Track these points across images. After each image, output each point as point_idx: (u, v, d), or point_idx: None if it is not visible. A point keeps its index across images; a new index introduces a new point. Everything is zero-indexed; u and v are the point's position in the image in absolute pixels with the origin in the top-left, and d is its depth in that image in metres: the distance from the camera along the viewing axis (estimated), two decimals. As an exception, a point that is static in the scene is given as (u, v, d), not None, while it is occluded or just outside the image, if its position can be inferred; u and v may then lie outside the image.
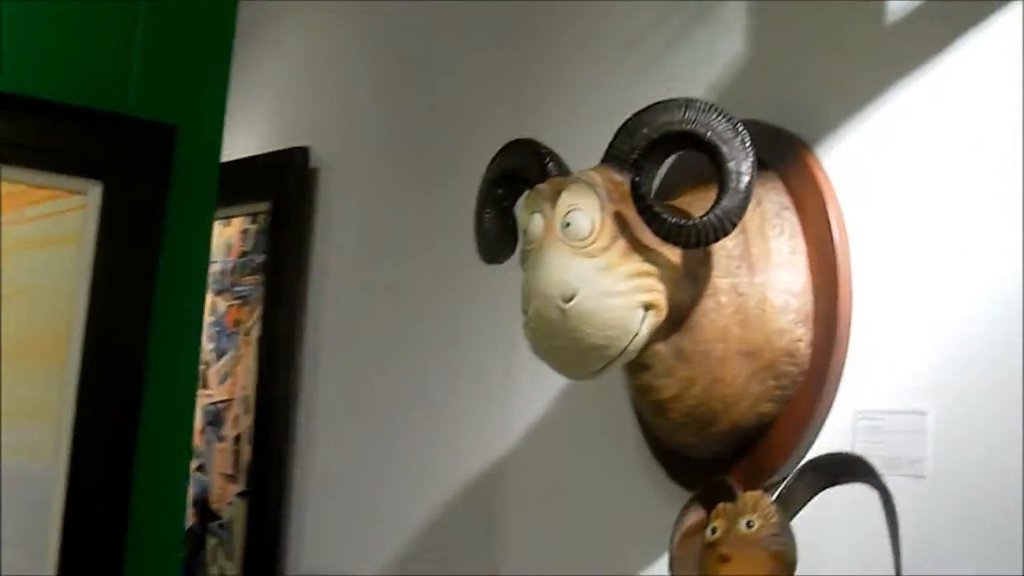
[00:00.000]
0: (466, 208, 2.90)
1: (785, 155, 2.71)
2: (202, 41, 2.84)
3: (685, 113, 2.47)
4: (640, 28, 3.11)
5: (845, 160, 2.68)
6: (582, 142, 2.82)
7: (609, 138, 2.59)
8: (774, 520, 2.32)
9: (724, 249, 2.57)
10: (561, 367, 2.56)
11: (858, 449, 2.54)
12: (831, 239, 2.64)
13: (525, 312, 2.50)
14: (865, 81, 2.67)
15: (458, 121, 3.66)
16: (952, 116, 2.54)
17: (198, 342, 3.01)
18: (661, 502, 2.90)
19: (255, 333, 4.17)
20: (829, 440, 2.62)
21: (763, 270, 2.62)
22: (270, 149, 4.22)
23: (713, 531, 2.35)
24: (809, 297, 2.64)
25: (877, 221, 2.62)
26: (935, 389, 2.49)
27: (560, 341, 2.47)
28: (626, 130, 2.54)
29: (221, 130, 2.78)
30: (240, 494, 4.16)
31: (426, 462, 3.59)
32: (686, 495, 2.75)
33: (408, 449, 3.67)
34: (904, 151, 2.60)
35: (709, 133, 2.44)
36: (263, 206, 4.22)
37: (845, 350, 2.63)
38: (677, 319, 2.56)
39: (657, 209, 2.44)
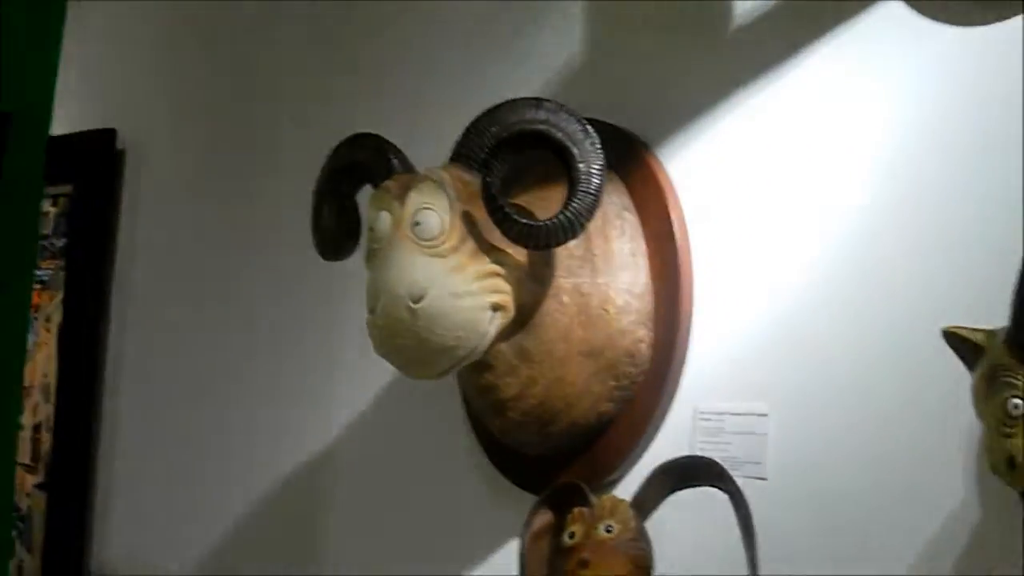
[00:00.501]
0: (286, 196, 2.86)
1: (626, 156, 2.73)
2: (32, 25, 2.73)
3: (536, 113, 2.46)
4: (479, 22, 3.09)
5: (686, 161, 2.71)
6: (414, 138, 2.80)
7: (444, 134, 2.57)
8: (632, 525, 2.34)
9: (567, 249, 2.57)
10: (407, 367, 2.53)
11: (697, 450, 2.58)
12: (672, 240, 2.67)
13: (372, 311, 2.47)
14: (708, 83, 2.70)
15: (278, 110, 3.59)
16: (794, 119, 2.59)
17: (25, 330, 2.89)
18: (493, 501, 2.90)
19: (56, 319, 4.06)
20: (669, 440, 2.65)
21: (605, 271, 2.63)
22: (76, 130, 4.09)
23: (571, 536, 2.35)
24: (650, 298, 2.67)
25: (718, 222, 2.65)
26: (775, 390, 2.53)
27: (408, 341, 2.45)
28: (475, 128, 2.52)
29: (51, 116, 2.68)
30: (39, 485, 4.04)
31: (245, 455, 3.53)
32: (519, 494, 2.76)
33: (225, 441, 3.60)
34: (745, 153, 2.64)
35: (560, 134, 2.44)
36: (65, 188, 4.10)
37: (685, 351, 2.66)
38: (521, 319, 2.56)
39: (507, 210, 2.43)
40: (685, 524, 2.52)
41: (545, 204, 2.52)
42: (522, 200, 2.62)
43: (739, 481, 2.39)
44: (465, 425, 2.97)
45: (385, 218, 2.51)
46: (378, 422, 3.20)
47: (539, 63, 2.97)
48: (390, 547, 3.13)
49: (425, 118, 3.07)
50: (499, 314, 2.48)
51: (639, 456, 2.68)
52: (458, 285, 2.44)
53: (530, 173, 2.64)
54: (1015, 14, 2.35)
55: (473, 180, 2.49)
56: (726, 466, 2.40)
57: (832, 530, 2.45)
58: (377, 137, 2.64)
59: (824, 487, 2.47)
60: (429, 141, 2.69)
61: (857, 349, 2.46)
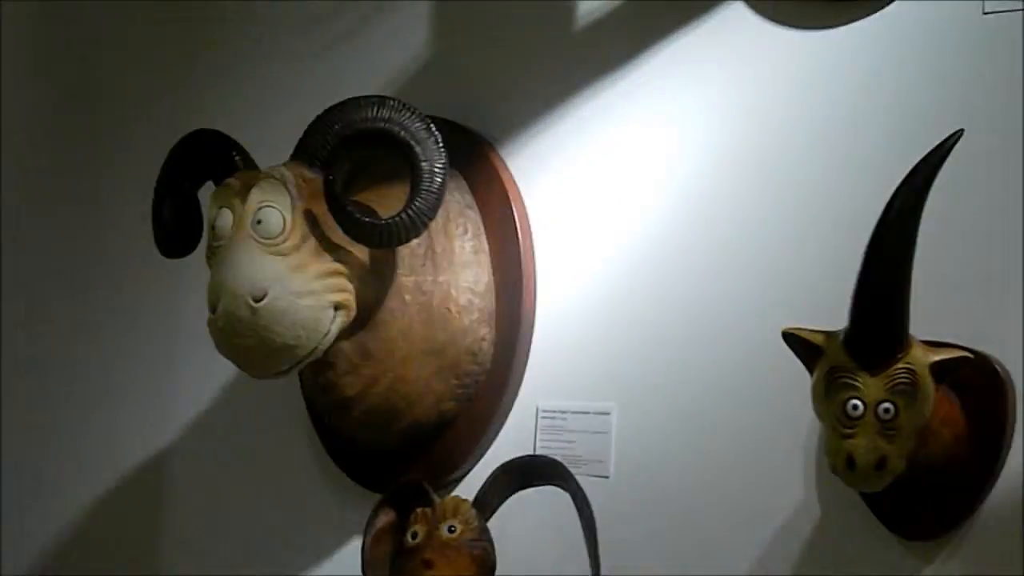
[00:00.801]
0: (132, 193, 2.80)
1: (470, 154, 2.73)
2: None
3: (379, 111, 2.45)
4: (327, 18, 3.06)
5: (530, 160, 2.72)
6: (261, 134, 2.78)
7: (286, 131, 2.55)
8: (475, 524, 2.34)
9: (409, 247, 2.56)
10: (248, 366, 2.50)
11: (540, 448, 2.59)
12: (515, 238, 2.67)
13: (213, 310, 2.44)
14: (552, 82, 2.72)
15: (122, 106, 3.52)
16: (636, 117, 2.61)
17: None
18: (338, 500, 2.88)
19: None
20: (512, 438, 2.66)
21: (447, 269, 2.63)
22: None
23: (414, 536, 2.35)
24: (492, 296, 2.67)
25: (561, 221, 2.67)
26: (618, 389, 2.55)
27: (249, 340, 2.42)
28: (318, 126, 2.50)
29: None
30: None
31: (85, 453, 3.45)
32: (363, 492, 2.75)
33: (65, 438, 3.52)
34: (588, 151, 2.66)
35: (403, 132, 2.43)
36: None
37: (528, 349, 2.67)
38: (362, 317, 2.54)
39: (349, 209, 2.41)
40: (529, 523, 2.53)
41: (390, 202, 2.50)
42: (368, 197, 2.60)
43: (582, 479, 2.40)
44: (308, 424, 2.94)
45: (226, 215, 2.47)
46: (222, 421, 3.16)
47: (386, 60, 2.96)
48: (233, 547, 3.10)
49: (272, 113, 3.04)
50: (341, 313, 2.46)
51: (482, 454, 2.69)
52: (299, 284, 2.41)
53: (378, 169, 2.62)
54: (864, 15, 2.39)
55: (316, 178, 2.46)
56: (569, 464, 2.40)
57: (674, 527, 2.47)
58: (219, 133, 2.61)
59: (666, 485, 2.49)
60: (276, 136, 2.65)
61: (700, 349, 2.49)
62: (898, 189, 1.98)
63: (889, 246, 1.99)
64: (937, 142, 2.02)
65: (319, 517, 2.90)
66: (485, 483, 2.40)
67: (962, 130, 1.98)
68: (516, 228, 2.67)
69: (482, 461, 2.68)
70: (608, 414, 2.55)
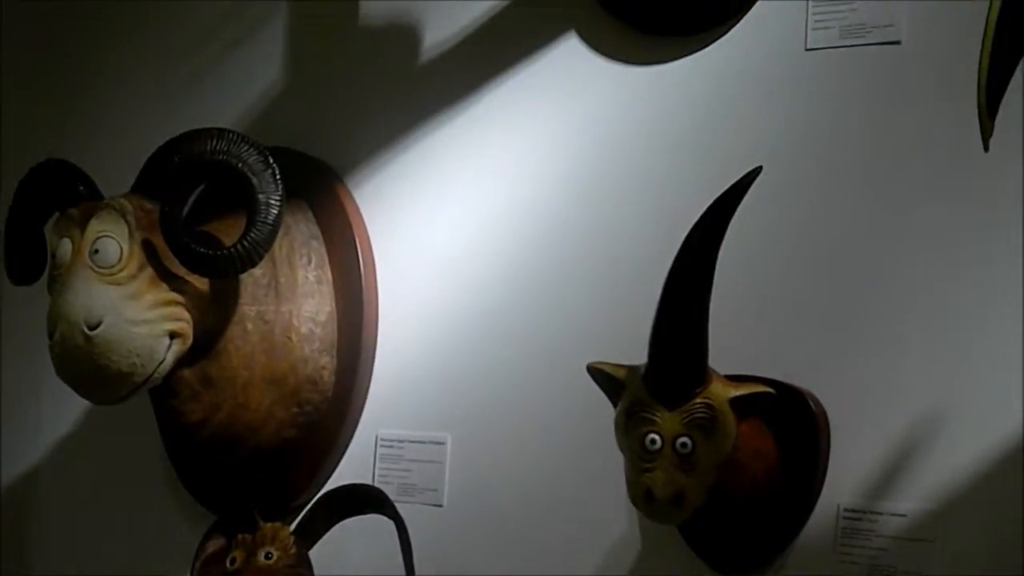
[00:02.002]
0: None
1: (316, 184, 2.77)
2: None
3: (217, 143, 2.48)
4: (179, 49, 3.09)
5: (375, 190, 2.76)
6: (109, 163, 2.80)
7: (138, 163, 2.57)
8: (292, 551, 2.37)
9: (252, 276, 2.60)
10: (85, 392, 2.53)
11: (379, 476, 2.63)
12: (357, 269, 2.71)
13: (51, 336, 2.47)
14: (397, 114, 2.77)
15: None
16: (478, 150, 2.66)
17: None
18: (186, 524, 2.90)
19: None
20: (352, 466, 2.70)
21: (290, 298, 2.66)
22: None
23: (232, 561, 2.38)
24: (334, 326, 2.71)
25: (404, 252, 2.71)
26: (454, 419, 2.60)
27: (85, 367, 2.44)
28: (157, 158, 2.53)
29: None
30: None
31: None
32: (211, 516, 2.77)
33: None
34: (432, 183, 2.70)
35: (240, 164, 2.46)
36: None
37: (368, 379, 2.71)
38: (204, 345, 2.57)
39: (185, 240, 2.44)
40: (355, 550, 2.56)
41: (235, 231, 2.53)
42: (215, 226, 2.63)
43: (417, 507, 2.45)
44: (162, 448, 2.97)
45: (66, 245, 2.50)
46: (81, 445, 3.18)
47: (237, 90, 2.98)
48: (90, 569, 3.11)
49: (121, 142, 3.07)
50: (176, 341, 2.49)
51: (324, 481, 2.72)
52: (134, 313, 2.45)
53: (225, 198, 2.65)
54: (693, 51, 2.45)
55: (155, 208, 2.49)
56: (405, 493, 2.45)
57: (506, 555, 2.52)
58: (66, 164, 2.63)
59: (499, 514, 2.54)
60: (124, 165, 2.68)
61: (533, 381, 2.55)
62: (695, 225, 2.02)
63: (684, 282, 2.02)
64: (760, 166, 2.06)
65: (170, 540, 2.93)
66: (307, 511, 2.44)
67: (760, 167, 2.03)
68: (359, 258, 2.70)
69: (325, 488, 2.70)
70: (443, 443, 2.59)
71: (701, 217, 2.02)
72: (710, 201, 2.08)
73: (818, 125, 2.35)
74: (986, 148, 1.51)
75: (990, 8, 1.49)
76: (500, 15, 2.66)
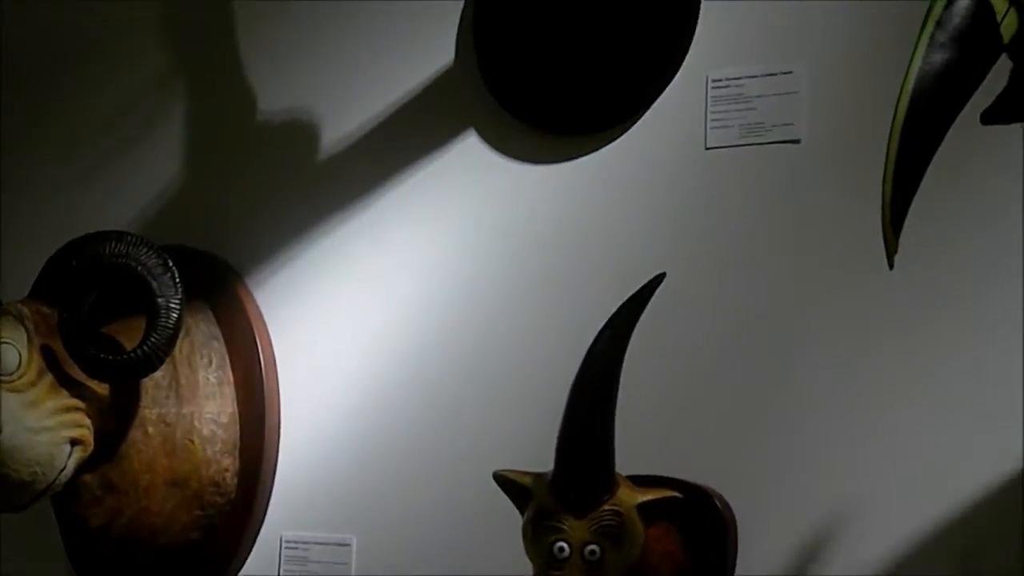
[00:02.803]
0: None
1: (215, 283, 2.75)
2: None
3: (115, 246, 2.46)
4: (74, 147, 3.06)
5: (275, 289, 2.74)
6: (5, 269, 2.77)
7: (36, 267, 2.54)
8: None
9: (152, 379, 2.57)
10: (-14, 501, 2.49)
11: (283, 577, 2.60)
12: (259, 370, 2.69)
13: (-52, 446, 2.42)
14: (297, 213, 2.75)
15: None
16: (379, 248, 2.66)
17: None
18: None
19: None
20: (256, 567, 2.68)
21: (191, 400, 2.63)
22: None
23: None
24: (236, 427, 2.68)
25: (306, 351, 2.69)
26: (359, 520, 2.58)
27: (-14, 477, 2.41)
28: (55, 262, 2.50)
29: None
30: None
31: None
32: (114, 622, 2.74)
33: None
34: (333, 283, 2.69)
35: (139, 267, 2.44)
36: None
37: (271, 480, 2.68)
38: (105, 450, 2.54)
39: (85, 345, 2.41)
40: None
41: (136, 333, 2.50)
42: (115, 327, 2.60)
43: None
44: (63, 553, 2.92)
45: (-36, 353, 2.46)
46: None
47: (136, 189, 2.96)
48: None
49: (17, 245, 3.03)
50: (77, 449, 2.46)
51: (227, 584, 2.69)
52: (34, 420, 2.41)
53: (126, 299, 2.62)
54: (594, 149, 2.46)
55: (53, 313, 2.46)
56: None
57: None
58: (-42, 269, 2.60)
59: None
60: (21, 268, 2.65)
61: (438, 483, 2.53)
62: (600, 332, 2.03)
63: (589, 391, 2.02)
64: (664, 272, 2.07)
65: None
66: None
67: (664, 274, 2.03)
68: (260, 359, 2.68)
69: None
70: (348, 545, 2.57)
71: (605, 325, 2.02)
72: (614, 301, 2.07)
73: (719, 224, 2.36)
74: (891, 266, 1.53)
75: (892, 126, 1.51)
76: (399, 112, 2.67)
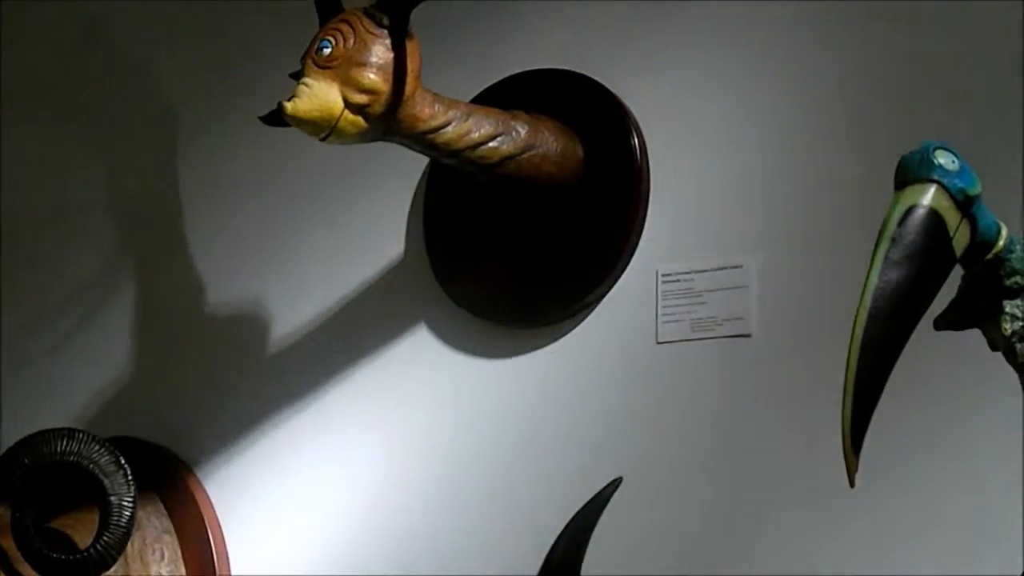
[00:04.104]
0: None
1: (167, 476, 2.74)
2: None
3: (66, 444, 2.45)
4: (25, 333, 3.05)
5: (227, 482, 2.74)
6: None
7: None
8: None
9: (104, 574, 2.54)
10: None
11: None
12: (211, 564, 2.68)
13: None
14: (248, 404, 2.76)
15: None
16: (332, 441, 2.68)
17: None
18: None
19: None
20: None
21: (144, 597, 2.61)
22: None
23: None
24: (180, 622, 2.66)
25: (259, 545, 2.69)
26: None
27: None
28: (6, 460, 2.49)
29: None
30: None
31: None
32: None
33: None
34: (285, 475, 2.70)
35: (91, 466, 2.44)
36: None
37: (222, 675, 2.66)
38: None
39: (38, 545, 2.40)
40: None
41: (84, 525, 2.49)
42: (65, 521, 2.59)
43: None
44: None
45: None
46: None
47: (84, 378, 2.95)
48: None
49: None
50: (30, 650, 2.43)
51: None
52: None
53: (73, 491, 2.61)
54: (547, 343, 2.48)
55: (5, 512, 2.45)
56: None
57: None
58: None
59: None
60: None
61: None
62: (557, 539, 2.03)
63: (551, 597, 2.02)
64: (612, 478, 2.07)
65: None
66: None
67: (620, 479, 2.04)
68: (212, 553, 2.68)
69: None
70: None
71: (563, 532, 2.03)
72: (568, 497, 2.09)
73: (672, 418, 2.38)
74: (851, 484, 1.54)
75: (850, 345, 1.53)
76: (349, 305, 2.68)
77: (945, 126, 2.18)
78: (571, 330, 2.48)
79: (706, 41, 2.51)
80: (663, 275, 2.43)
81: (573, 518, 2.03)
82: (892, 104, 2.33)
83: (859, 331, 1.52)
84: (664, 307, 2.42)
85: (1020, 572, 2.01)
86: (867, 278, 1.52)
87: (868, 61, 2.35)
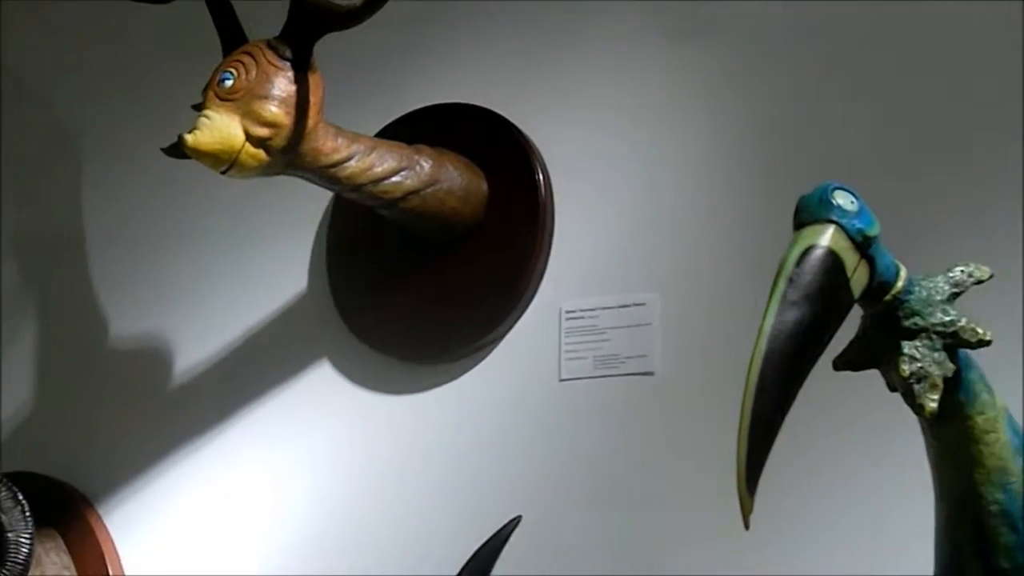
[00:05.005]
0: None
1: (67, 511, 2.72)
2: None
3: (-34, 483, 2.42)
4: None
5: (127, 517, 2.73)
6: None
7: None
8: None
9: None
10: None
11: None
12: (111, 600, 2.64)
13: None
14: (149, 440, 2.74)
15: None
16: (232, 472, 2.65)
17: None
18: None
19: None
20: None
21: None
22: None
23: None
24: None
25: (161, 578, 2.65)
26: None
27: None
28: (-100, 496, 2.45)
29: None
30: None
31: None
32: None
33: None
34: (187, 511, 2.67)
35: (-12, 501, 2.40)
36: None
37: None
38: None
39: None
40: None
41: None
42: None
43: None
44: None
45: None
46: None
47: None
48: None
49: None
50: None
51: None
52: None
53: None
54: (447, 380, 2.47)
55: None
56: None
57: None
58: None
59: None
60: None
61: None
62: (460, 573, 2.02)
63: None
64: (514, 515, 2.06)
65: None
66: None
67: (519, 517, 2.04)
68: (110, 588, 2.64)
69: None
70: None
71: (461, 571, 2.02)
72: (468, 534, 2.09)
73: (574, 456, 2.37)
74: (746, 526, 1.53)
75: (746, 386, 1.52)
76: (251, 339, 2.66)
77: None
78: (474, 367, 2.48)
79: (613, 79, 2.50)
80: (567, 312, 2.43)
81: (471, 557, 2.03)
82: (797, 144, 2.33)
83: (754, 373, 1.51)
84: (567, 344, 2.41)
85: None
86: (763, 319, 1.52)
87: (771, 104, 2.36)
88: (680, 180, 2.40)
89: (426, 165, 2.43)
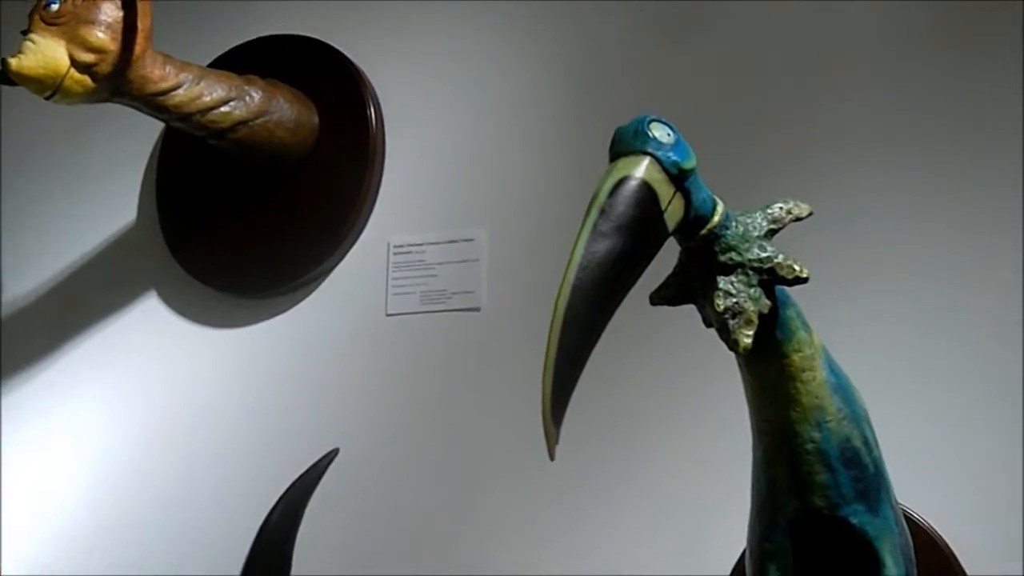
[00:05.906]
0: None
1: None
2: None
3: None
4: None
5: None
6: None
7: None
8: None
9: None
10: None
11: None
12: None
13: None
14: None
15: None
16: (60, 411, 2.61)
17: None
18: None
19: None
20: None
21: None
22: None
23: None
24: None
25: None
26: None
27: None
28: None
29: None
30: None
31: None
32: None
33: None
34: (9, 447, 2.61)
35: None
36: None
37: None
38: None
39: None
40: None
41: None
42: None
43: None
44: None
45: None
46: None
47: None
48: None
49: None
50: None
51: None
52: None
53: None
54: (283, 311, 2.46)
55: None
56: None
57: None
58: None
59: None
60: None
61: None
62: (273, 508, 2.01)
63: (261, 566, 1.99)
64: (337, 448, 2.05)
65: None
66: None
67: (336, 450, 2.03)
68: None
69: None
70: None
71: (278, 501, 2.01)
72: (292, 467, 2.07)
73: (400, 390, 2.37)
74: (552, 456, 1.52)
75: (553, 317, 1.51)
76: (79, 272, 2.62)
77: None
78: (301, 301, 2.46)
79: (447, 15, 2.49)
80: (395, 247, 2.42)
81: (288, 489, 2.02)
82: (627, 78, 2.34)
83: (562, 303, 1.49)
84: (394, 279, 2.40)
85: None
86: (573, 250, 1.50)
87: (597, 37, 2.36)
88: (507, 120, 2.40)
89: (256, 96, 2.40)
